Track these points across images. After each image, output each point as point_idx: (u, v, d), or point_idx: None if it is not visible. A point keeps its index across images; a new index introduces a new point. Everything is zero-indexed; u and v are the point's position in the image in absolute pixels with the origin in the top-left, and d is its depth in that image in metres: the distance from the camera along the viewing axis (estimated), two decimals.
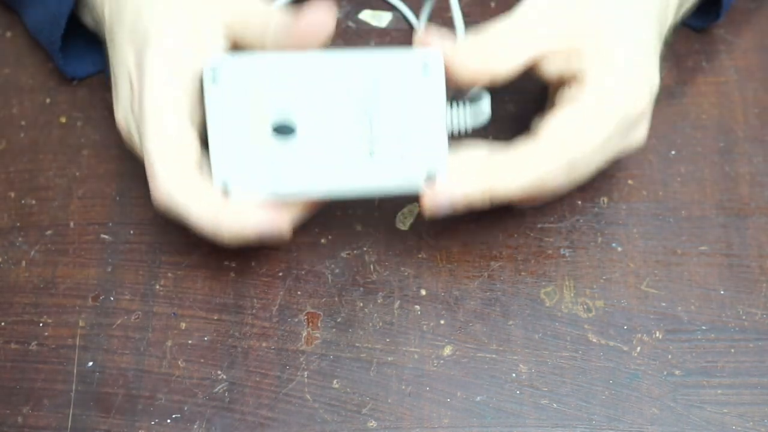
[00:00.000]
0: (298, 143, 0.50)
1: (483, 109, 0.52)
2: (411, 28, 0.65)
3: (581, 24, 0.51)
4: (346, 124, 0.50)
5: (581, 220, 0.58)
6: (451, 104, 0.52)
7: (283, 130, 0.50)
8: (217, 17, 0.51)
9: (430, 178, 0.50)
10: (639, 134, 0.53)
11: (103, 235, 0.58)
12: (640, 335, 0.55)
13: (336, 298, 0.56)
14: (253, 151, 0.50)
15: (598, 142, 0.50)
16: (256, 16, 0.51)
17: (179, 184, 0.49)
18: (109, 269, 0.58)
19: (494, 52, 0.51)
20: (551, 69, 0.52)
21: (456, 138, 0.53)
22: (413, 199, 0.57)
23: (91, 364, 0.55)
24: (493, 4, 0.66)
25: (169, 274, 0.57)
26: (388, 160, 0.50)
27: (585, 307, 0.56)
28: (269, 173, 0.50)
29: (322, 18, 0.49)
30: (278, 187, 0.51)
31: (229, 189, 0.50)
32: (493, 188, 0.50)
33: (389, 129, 0.50)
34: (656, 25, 0.53)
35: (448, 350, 0.55)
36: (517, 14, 0.52)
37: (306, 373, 0.54)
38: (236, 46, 0.52)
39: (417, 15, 0.64)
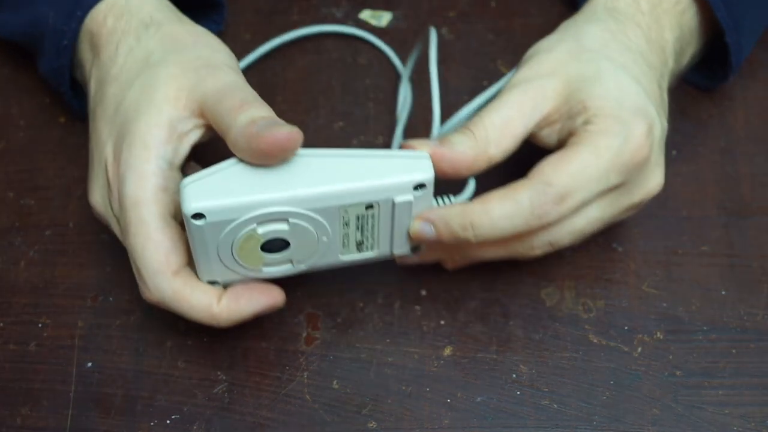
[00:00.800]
0: (287, 253, 0.49)
1: (465, 197, 0.52)
2: (395, 69, 0.65)
3: (571, 88, 0.51)
4: (336, 234, 0.49)
5: None
6: (437, 200, 0.51)
7: (272, 245, 0.49)
8: (191, 107, 0.49)
9: (415, 250, 0.52)
10: (653, 179, 0.52)
11: (102, 236, 0.58)
12: (641, 336, 0.55)
13: (336, 298, 0.56)
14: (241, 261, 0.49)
15: (587, 176, 0.49)
16: (224, 115, 0.48)
17: (169, 286, 0.49)
18: (108, 269, 0.57)
19: (490, 143, 0.50)
20: (549, 138, 0.52)
21: None
22: None
23: (90, 364, 0.55)
24: (493, 4, 0.66)
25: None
26: (375, 249, 0.51)
27: (586, 307, 0.56)
28: (257, 269, 0.50)
29: (286, 139, 0.45)
30: (265, 274, 0.50)
31: (218, 283, 0.50)
32: (474, 220, 0.49)
33: (378, 231, 0.50)
34: (651, 72, 0.53)
35: (448, 351, 0.55)
36: (506, 97, 0.51)
37: (306, 373, 0.54)
38: (212, 129, 0.50)
39: (404, 61, 0.64)
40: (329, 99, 0.63)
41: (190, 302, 0.49)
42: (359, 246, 0.50)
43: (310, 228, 0.48)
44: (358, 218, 0.49)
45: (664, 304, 0.56)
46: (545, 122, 0.51)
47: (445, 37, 0.65)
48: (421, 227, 0.50)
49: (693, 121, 0.61)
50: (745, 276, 0.56)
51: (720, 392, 0.53)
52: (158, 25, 0.53)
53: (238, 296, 0.50)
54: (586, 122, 0.50)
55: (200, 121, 0.50)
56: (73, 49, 0.56)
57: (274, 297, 0.51)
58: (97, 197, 0.52)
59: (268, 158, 0.46)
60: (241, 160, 0.47)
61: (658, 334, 0.55)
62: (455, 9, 0.66)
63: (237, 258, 0.48)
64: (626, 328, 0.55)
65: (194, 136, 0.50)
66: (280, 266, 0.50)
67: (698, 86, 0.62)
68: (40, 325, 0.56)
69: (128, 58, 0.52)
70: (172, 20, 0.54)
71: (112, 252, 0.58)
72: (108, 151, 0.50)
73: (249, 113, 0.47)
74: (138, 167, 0.49)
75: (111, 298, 0.57)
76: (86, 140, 0.61)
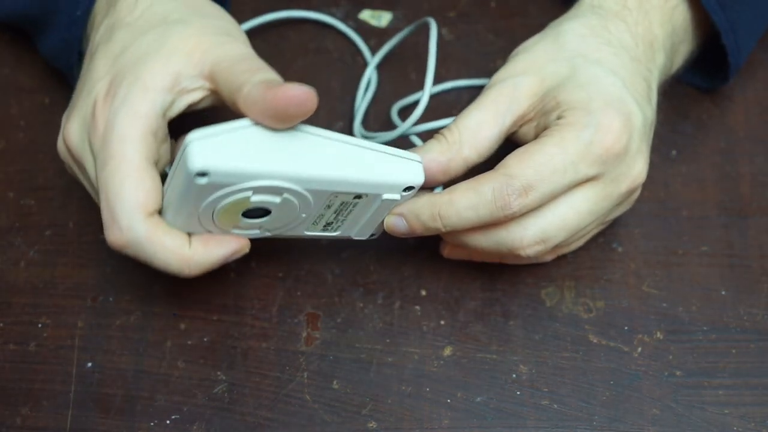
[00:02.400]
0: (262, 220, 0.49)
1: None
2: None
3: (545, 87, 0.52)
4: (315, 213, 0.50)
5: None
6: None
7: (253, 212, 0.48)
8: (201, 67, 0.49)
9: (372, 236, 0.54)
10: (635, 168, 0.51)
11: (102, 236, 0.58)
12: (640, 336, 0.55)
13: (336, 299, 0.56)
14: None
15: (550, 169, 0.49)
16: (238, 74, 0.48)
17: (143, 226, 0.48)
18: (108, 269, 0.57)
19: (463, 145, 0.51)
20: (527, 136, 0.52)
21: None
22: None
23: (90, 364, 0.55)
24: (493, 4, 0.66)
25: (169, 275, 0.57)
26: (339, 231, 0.52)
27: (586, 307, 0.56)
28: (227, 230, 0.50)
29: (303, 97, 0.45)
30: (231, 234, 0.50)
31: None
32: (441, 211, 0.50)
33: (351, 217, 0.51)
34: (633, 64, 0.53)
35: (448, 351, 0.55)
36: (480, 99, 0.52)
37: (306, 373, 0.54)
38: (215, 93, 0.50)
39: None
40: (329, 99, 0.63)
41: (164, 244, 0.48)
42: (327, 226, 0.51)
43: (297, 204, 0.48)
44: (341, 204, 0.50)
45: (664, 304, 0.56)
46: (522, 120, 0.52)
47: (445, 37, 0.65)
48: (395, 222, 0.52)
49: (693, 121, 0.61)
50: (745, 276, 0.56)
51: (720, 392, 0.53)
52: None
53: (206, 241, 0.49)
54: (559, 117, 0.50)
55: (206, 84, 0.50)
56: (84, 21, 0.56)
57: (240, 242, 0.50)
58: (74, 129, 0.51)
59: (282, 117, 0.46)
60: (252, 125, 0.46)
61: (658, 334, 0.55)
62: (455, 9, 0.66)
63: (215, 217, 0.48)
64: (626, 328, 0.55)
65: (195, 96, 0.50)
66: (248, 230, 0.50)
67: (698, 88, 0.62)
68: (40, 325, 0.56)
69: (146, 12, 0.52)
70: None
71: (112, 252, 0.57)
72: (102, 85, 0.50)
73: (265, 74, 0.47)
74: (133, 105, 0.48)
75: (111, 298, 0.57)
76: None
